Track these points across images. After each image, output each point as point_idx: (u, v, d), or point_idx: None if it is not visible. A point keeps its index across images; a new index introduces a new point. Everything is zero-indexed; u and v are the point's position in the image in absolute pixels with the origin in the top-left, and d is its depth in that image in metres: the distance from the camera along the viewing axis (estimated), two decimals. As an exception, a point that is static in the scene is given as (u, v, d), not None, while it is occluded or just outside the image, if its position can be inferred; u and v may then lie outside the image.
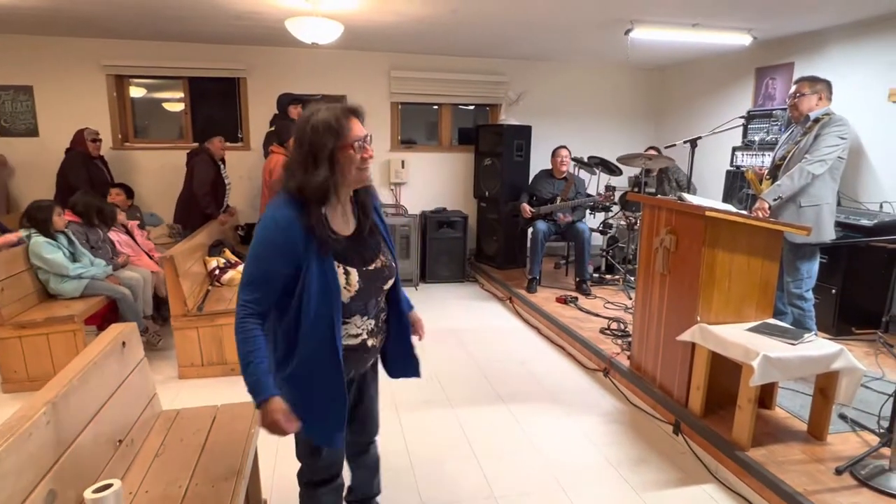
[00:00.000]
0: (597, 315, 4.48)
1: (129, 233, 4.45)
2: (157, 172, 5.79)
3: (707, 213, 2.68)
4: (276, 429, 1.50)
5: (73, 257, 3.72)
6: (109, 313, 3.83)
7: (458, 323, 4.84)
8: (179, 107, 6.02)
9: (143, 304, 4.04)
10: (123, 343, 2.01)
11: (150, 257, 4.45)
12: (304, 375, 1.56)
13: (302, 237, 1.49)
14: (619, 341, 3.87)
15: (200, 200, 4.86)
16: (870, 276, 3.97)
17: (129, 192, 4.91)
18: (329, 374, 1.56)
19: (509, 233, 6.01)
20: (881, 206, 4.16)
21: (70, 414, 1.58)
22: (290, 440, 1.72)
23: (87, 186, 4.58)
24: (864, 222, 3.88)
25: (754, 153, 5.10)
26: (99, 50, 5.46)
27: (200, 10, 4.27)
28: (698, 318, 2.76)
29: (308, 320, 1.52)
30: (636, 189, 5.27)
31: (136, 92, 5.94)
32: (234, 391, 3.45)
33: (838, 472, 2.32)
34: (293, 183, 1.50)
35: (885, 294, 4.01)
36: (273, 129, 5.01)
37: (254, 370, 1.49)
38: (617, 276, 5.55)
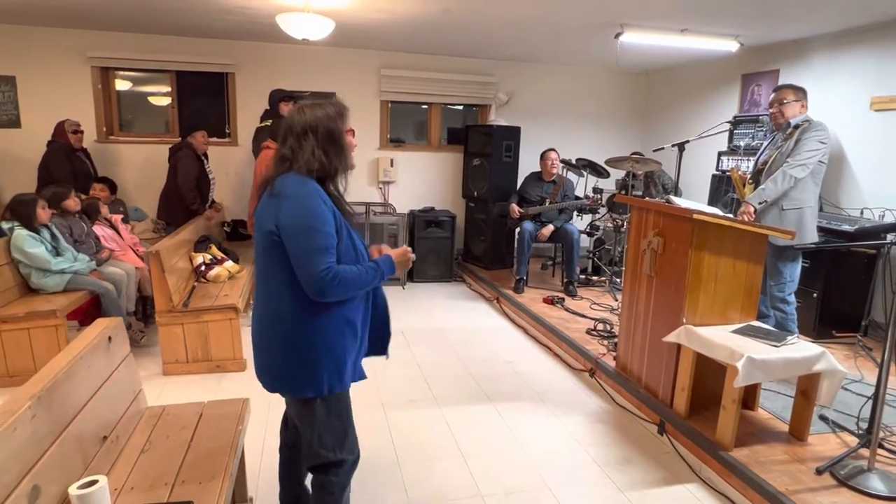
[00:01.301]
0: (583, 316, 4.51)
1: (113, 227, 4.39)
2: (142, 167, 5.72)
3: (695, 216, 2.72)
4: (408, 260, 1.81)
5: (56, 251, 3.66)
6: (92, 308, 3.78)
7: (446, 323, 4.85)
8: (165, 101, 5.95)
9: (127, 300, 3.98)
10: (110, 338, 1.99)
11: (135, 252, 4.40)
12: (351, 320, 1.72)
13: (332, 208, 1.62)
14: (606, 342, 3.90)
15: (185, 196, 4.81)
16: (850, 280, 4.05)
17: (113, 187, 4.84)
18: (365, 316, 1.77)
19: (497, 233, 6.04)
20: (862, 213, 4.25)
21: (55, 408, 1.56)
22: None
23: (69, 179, 4.51)
24: (846, 228, 3.96)
25: (740, 158, 5.18)
26: (85, 41, 5.37)
27: (190, 3, 4.23)
28: (684, 320, 2.80)
29: (355, 301, 1.70)
30: (623, 192, 5.31)
31: (121, 85, 5.86)
32: (219, 388, 3.42)
33: (819, 472, 2.37)
34: (313, 164, 1.62)
35: (864, 298, 4.10)
36: (266, 124, 4.97)
37: (371, 275, 1.65)
38: (603, 278, 5.59)
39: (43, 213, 3.62)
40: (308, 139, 1.63)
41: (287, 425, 2.01)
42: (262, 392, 3.34)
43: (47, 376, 1.58)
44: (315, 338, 1.63)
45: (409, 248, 1.83)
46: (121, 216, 4.67)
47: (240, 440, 2.04)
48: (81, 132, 4.90)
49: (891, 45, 4.19)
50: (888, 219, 4.06)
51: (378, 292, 1.83)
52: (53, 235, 3.70)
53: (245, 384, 3.48)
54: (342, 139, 1.68)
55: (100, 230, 4.21)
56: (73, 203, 3.94)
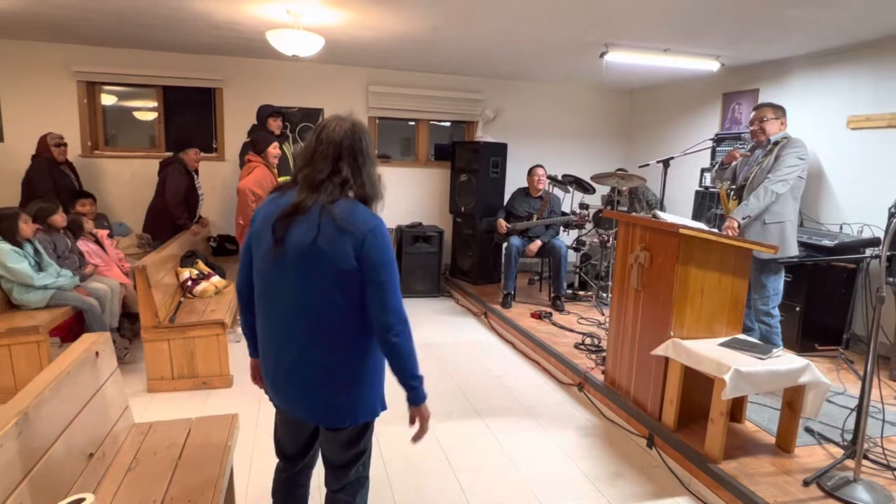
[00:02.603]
0: (571, 330, 4.54)
1: (98, 242, 4.34)
2: (128, 181, 5.68)
3: (681, 231, 2.76)
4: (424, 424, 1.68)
5: (39, 267, 3.60)
6: (75, 325, 3.72)
7: (434, 338, 4.84)
8: (151, 116, 5.93)
9: (111, 316, 3.92)
10: (97, 353, 1.96)
11: (120, 268, 4.34)
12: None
13: None
14: (594, 356, 3.92)
15: (173, 211, 4.77)
16: (831, 294, 4.13)
17: (94, 202, 4.78)
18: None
19: (484, 248, 6.06)
20: (841, 228, 4.35)
21: (42, 425, 1.53)
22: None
23: (52, 193, 4.45)
24: (826, 243, 4.04)
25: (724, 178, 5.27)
26: (70, 56, 5.35)
27: (178, 18, 4.24)
28: (671, 333, 2.83)
29: None
30: (609, 207, 5.38)
31: (106, 100, 5.83)
32: (204, 405, 3.37)
33: (806, 483, 2.39)
34: (374, 192, 1.59)
35: (845, 312, 4.18)
36: (250, 139, 4.97)
37: (415, 358, 1.59)
38: (590, 293, 5.63)
39: (26, 227, 3.57)
40: (366, 163, 1.58)
41: (286, 456, 1.84)
42: (249, 408, 3.30)
43: (34, 392, 1.56)
44: (371, 368, 1.63)
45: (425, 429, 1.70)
46: (107, 231, 4.62)
47: (229, 456, 2.02)
48: (64, 145, 4.85)
49: (863, 67, 4.34)
50: (866, 234, 4.16)
51: None
52: (37, 251, 3.65)
53: (232, 400, 3.43)
54: (370, 155, 1.63)
55: (84, 245, 4.16)
56: (59, 219, 3.89)
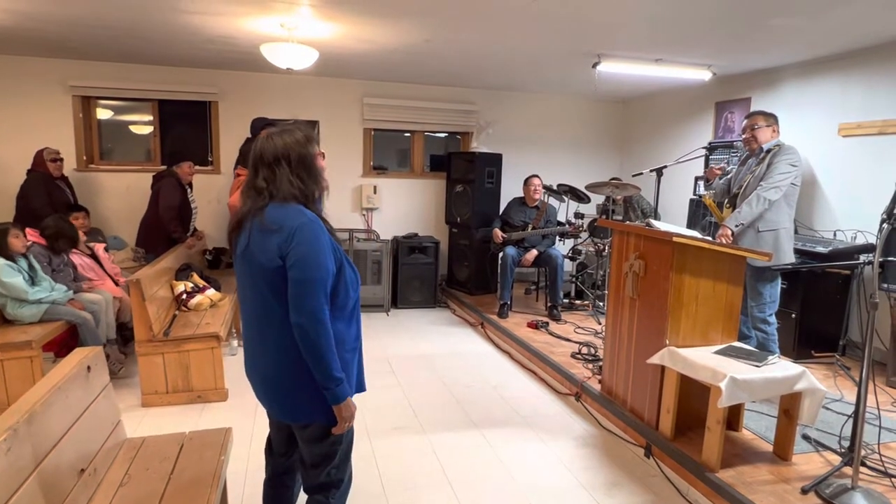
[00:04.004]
0: (568, 340, 4.53)
1: (93, 256, 4.32)
2: (123, 195, 5.67)
3: (675, 239, 2.77)
4: (352, 418, 1.68)
5: (33, 281, 3.59)
6: (69, 339, 3.70)
7: (430, 349, 4.82)
8: (147, 129, 5.94)
9: (106, 328, 3.90)
10: (89, 367, 1.95)
11: (116, 283, 4.33)
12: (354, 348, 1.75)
13: (329, 238, 1.64)
14: (591, 365, 3.91)
15: (167, 224, 4.76)
16: (826, 301, 4.14)
17: (87, 215, 4.78)
18: (358, 342, 1.77)
19: (480, 259, 6.06)
20: (835, 234, 4.36)
21: (32, 441, 1.51)
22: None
23: (48, 208, 4.45)
24: (820, 249, 4.06)
25: (715, 187, 5.30)
26: (66, 70, 5.37)
27: (172, 33, 4.26)
28: (667, 342, 2.82)
29: (346, 311, 1.68)
30: (604, 216, 5.40)
31: (102, 114, 5.84)
32: (199, 419, 3.35)
33: (804, 491, 2.38)
34: (293, 192, 1.62)
35: (840, 318, 4.19)
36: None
37: (338, 366, 1.58)
38: (586, 302, 5.63)
39: (16, 241, 3.56)
40: (282, 167, 1.62)
41: (273, 453, 1.96)
42: (244, 422, 3.28)
43: (24, 407, 1.54)
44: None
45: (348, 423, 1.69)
46: (103, 245, 4.61)
47: (222, 471, 2.00)
48: (61, 160, 4.85)
49: (853, 75, 4.38)
50: (860, 240, 4.17)
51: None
52: (31, 265, 3.63)
53: (228, 414, 3.41)
54: (315, 163, 1.68)
55: (78, 259, 4.14)
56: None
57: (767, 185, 3.23)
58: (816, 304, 4.11)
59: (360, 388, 1.79)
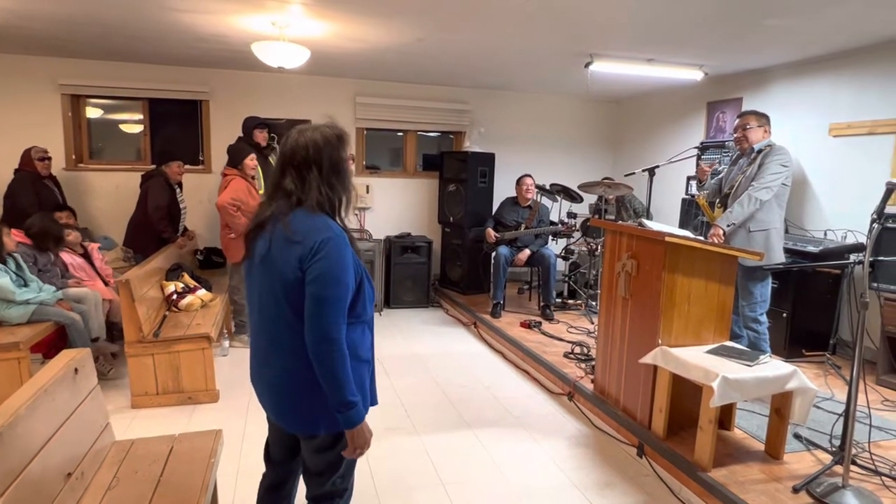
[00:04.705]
0: (560, 339, 4.53)
1: (86, 255, 4.28)
2: (113, 195, 5.62)
3: (667, 239, 2.77)
4: (366, 445, 1.58)
5: (24, 282, 3.54)
6: (58, 340, 3.66)
7: (423, 348, 4.81)
8: (137, 128, 5.89)
9: (96, 329, 3.86)
10: (76, 370, 1.92)
11: (106, 283, 4.28)
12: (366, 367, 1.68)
13: (352, 253, 1.56)
14: (583, 365, 3.91)
15: (156, 224, 4.71)
16: (817, 300, 4.16)
17: (73, 215, 4.73)
18: (371, 358, 1.71)
19: (473, 258, 6.05)
20: (825, 234, 4.38)
21: (17, 445, 1.49)
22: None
23: (35, 208, 4.39)
24: (811, 249, 4.08)
25: (707, 185, 5.32)
26: (55, 69, 5.31)
27: (163, 31, 4.23)
28: (659, 341, 2.83)
29: (361, 328, 1.62)
30: (597, 216, 5.40)
31: (92, 113, 5.79)
32: (190, 421, 3.32)
33: (795, 490, 2.39)
34: (322, 201, 1.54)
35: (831, 317, 4.21)
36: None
37: (353, 389, 1.51)
38: (579, 301, 5.64)
39: (9, 240, 3.52)
40: (312, 172, 1.53)
41: (273, 462, 1.86)
42: (235, 423, 3.25)
43: (8, 411, 1.52)
44: None
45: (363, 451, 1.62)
46: (98, 244, 4.55)
47: (212, 474, 1.98)
48: (49, 159, 4.80)
49: (843, 75, 4.40)
50: (850, 239, 4.20)
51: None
52: (18, 265, 3.59)
53: (218, 416, 3.38)
54: (346, 168, 1.59)
55: (69, 258, 4.10)
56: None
57: (759, 186, 3.24)
58: (807, 303, 4.13)
59: (373, 401, 1.72)
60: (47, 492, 1.60)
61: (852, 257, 3.92)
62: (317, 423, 1.59)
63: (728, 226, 3.29)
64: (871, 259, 2.31)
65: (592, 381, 3.56)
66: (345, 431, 1.55)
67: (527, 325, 4.88)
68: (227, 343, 4.49)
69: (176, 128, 5.94)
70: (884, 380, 3.66)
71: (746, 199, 3.25)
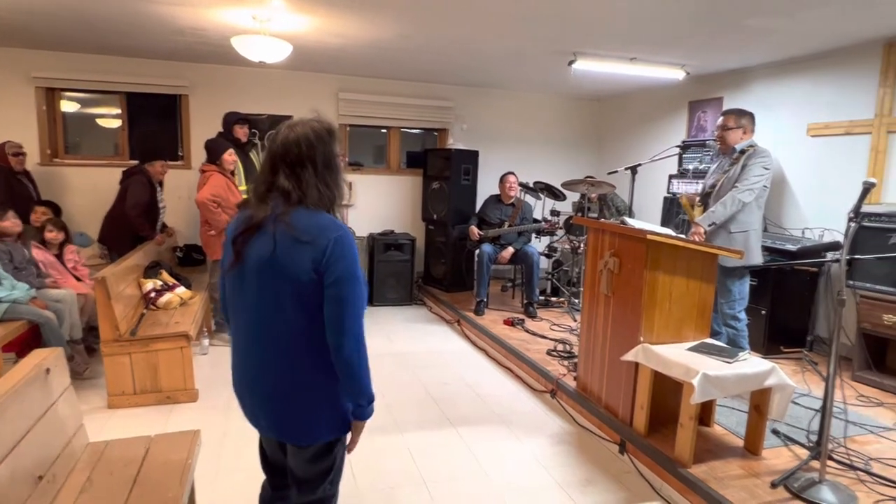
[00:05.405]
0: (543, 337, 4.54)
1: (58, 254, 4.17)
2: (90, 190, 5.50)
3: (649, 237, 2.78)
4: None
5: (-4, 279, 3.45)
6: (31, 339, 3.57)
7: (406, 346, 4.79)
8: (115, 123, 5.78)
9: (71, 328, 3.78)
10: (48, 370, 1.87)
11: (78, 279, 4.19)
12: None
13: None
14: (566, 362, 3.93)
15: (134, 222, 4.60)
16: (795, 297, 4.22)
17: (56, 211, 4.62)
18: None
19: (457, 256, 6.04)
20: (803, 232, 4.45)
21: (-16, 448, 1.44)
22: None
23: (9, 203, 4.28)
24: (789, 247, 4.14)
25: (689, 181, 5.37)
26: (28, 61, 5.18)
27: (141, 23, 4.14)
28: (641, 339, 2.84)
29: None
30: (580, 214, 5.43)
31: (68, 106, 5.66)
32: (167, 421, 3.27)
33: (773, 485, 2.42)
34: (320, 199, 1.51)
35: (808, 314, 4.28)
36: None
37: (371, 386, 1.54)
38: (562, 299, 5.66)
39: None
40: (307, 170, 1.48)
41: (273, 471, 1.79)
42: (215, 423, 3.20)
43: (-24, 413, 1.47)
44: (336, 386, 1.54)
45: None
46: (74, 248, 4.43)
47: (190, 475, 1.94)
48: (23, 154, 4.69)
49: (822, 76, 4.47)
50: (827, 238, 4.27)
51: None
52: (-11, 262, 3.49)
53: (197, 416, 3.33)
54: (339, 164, 1.55)
55: (41, 255, 4.00)
56: (9, 224, 3.71)
57: (742, 188, 3.26)
58: (785, 300, 4.19)
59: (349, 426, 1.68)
60: (17, 495, 1.55)
61: (829, 255, 3.98)
62: (318, 432, 1.56)
63: (710, 225, 3.32)
64: (847, 257, 2.34)
65: (575, 379, 3.57)
66: (352, 425, 1.58)
67: (510, 323, 4.88)
68: (206, 342, 4.43)
69: (155, 123, 5.83)
70: (859, 376, 3.72)
71: (730, 200, 3.27)
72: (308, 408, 1.53)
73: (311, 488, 1.65)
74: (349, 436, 1.63)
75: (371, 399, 1.54)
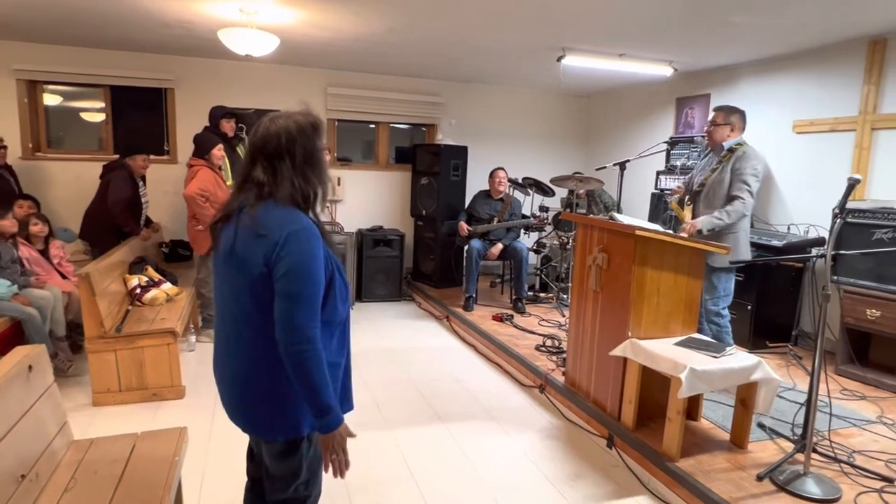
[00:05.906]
0: (532, 332, 4.55)
1: (44, 250, 4.10)
2: (73, 185, 5.41)
3: (637, 233, 2.79)
4: (345, 453, 1.50)
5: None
6: (13, 336, 3.51)
7: (395, 342, 4.78)
8: (99, 117, 5.69)
9: (54, 325, 3.72)
10: (30, 367, 1.84)
11: (63, 275, 4.13)
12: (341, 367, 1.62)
13: (324, 247, 1.48)
14: (555, 358, 3.94)
15: (117, 217, 4.52)
16: (780, 292, 4.27)
17: (36, 205, 4.54)
18: (346, 359, 1.64)
19: (446, 251, 6.04)
20: (789, 228, 4.50)
21: (-36, 447, 1.42)
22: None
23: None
24: (775, 243, 4.18)
25: (676, 177, 5.41)
26: (9, 53, 5.08)
27: (125, 15, 4.08)
28: (629, 334, 2.86)
29: (334, 327, 1.54)
30: (568, 209, 5.44)
31: (51, 100, 5.56)
32: (154, 419, 3.24)
33: (759, 478, 2.45)
34: (295, 194, 1.47)
35: (793, 309, 4.33)
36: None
37: (331, 392, 1.44)
38: (550, 295, 5.67)
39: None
40: (284, 163, 1.45)
41: (254, 460, 1.79)
42: (202, 421, 3.18)
43: (-44, 411, 1.44)
44: (288, 380, 1.47)
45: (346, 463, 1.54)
46: (60, 242, 4.36)
47: (176, 473, 1.92)
48: (4, 147, 4.60)
49: (807, 73, 4.51)
50: (812, 234, 4.32)
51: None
52: (-30, 258, 3.43)
53: (184, 413, 3.30)
54: (321, 159, 1.51)
55: (26, 251, 3.93)
56: (9, 224, 3.63)
57: (746, 201, 3.22)
58: (771, 295, 4.23)
59: (349, 405, 1.65)
60: (-1, 495, 1.53)
61: (814, 251, 4.03)
62: (273, 428, 1.52)
63: (708, 231, 3.28)
64: (832, 253, 2.37)
65: (563, 374, 3.59)
66: (318, 436, 1.49)
67: (499, 319, 4.89)
68: (193, 338, 4.39)
69: (140, 116, 5.75)
70: (842, 369, 3.77)
71: (734, 212, 3.22)
72: (262, 401, 1.51)
73: (281, 486, 1.61)
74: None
75: (327, 410, 1.42)
